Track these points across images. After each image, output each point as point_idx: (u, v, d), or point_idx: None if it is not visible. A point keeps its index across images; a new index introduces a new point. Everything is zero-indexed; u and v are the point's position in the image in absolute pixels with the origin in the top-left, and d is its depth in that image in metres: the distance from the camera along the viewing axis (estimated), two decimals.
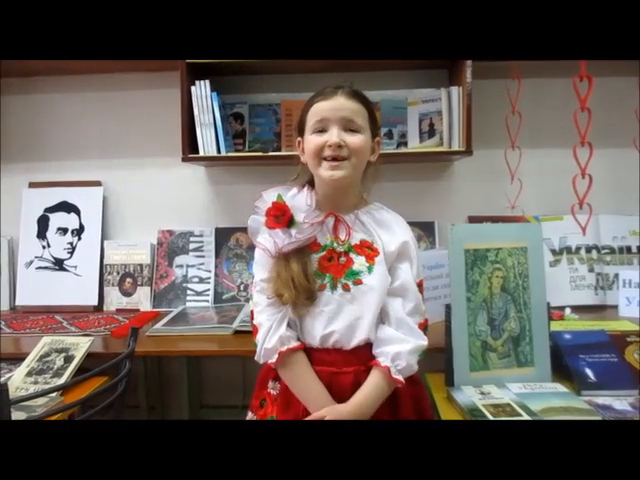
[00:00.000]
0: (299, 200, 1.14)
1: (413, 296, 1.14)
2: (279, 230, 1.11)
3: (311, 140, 1.13)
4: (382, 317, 1.14)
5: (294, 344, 1.12)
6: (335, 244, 1.14)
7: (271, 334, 1.12)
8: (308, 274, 1.10)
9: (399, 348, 1.10)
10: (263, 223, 1.14)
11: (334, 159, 1.10)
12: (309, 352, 1.13)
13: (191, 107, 1.83)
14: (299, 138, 1.19)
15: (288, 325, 1.13)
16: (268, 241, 1.12)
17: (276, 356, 1.11)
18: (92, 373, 1.22)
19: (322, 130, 1.12)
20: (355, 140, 1.11)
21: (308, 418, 1.07)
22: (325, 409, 1.07)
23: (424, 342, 1.13)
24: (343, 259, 1.13)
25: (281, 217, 1.12)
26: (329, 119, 1.11)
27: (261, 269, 1.17)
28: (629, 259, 1.95)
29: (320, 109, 1.12)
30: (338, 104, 1.11)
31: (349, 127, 1.11)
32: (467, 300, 1.26)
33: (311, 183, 1.19)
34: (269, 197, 1.15)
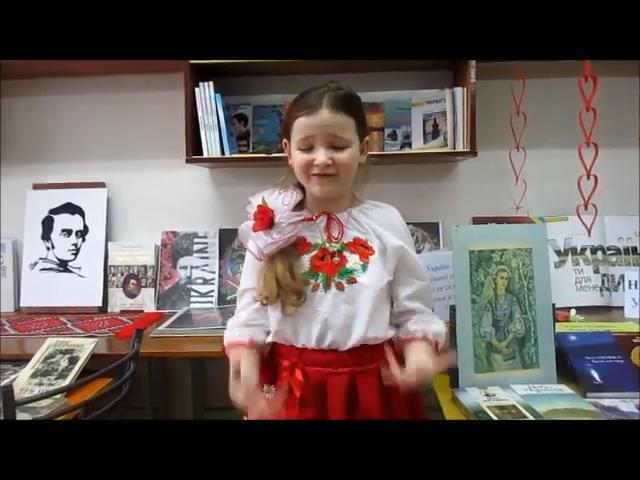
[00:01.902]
0: (280, 200, 1.13)
1: (430, 293, 1.19)
2: (261, 232, 1.11)
3: (298, 156, 1.10)
4: (403, 315, 1.15)
5: (235, 340, 1.14)
6: (327, 244, 1.12)
7: (229, 328, 1.18)
8: (295, 274, 1.08)
9: (439, 327, 1.14)
10: (251, 227, 1.13)
11: (322, 175, 1.08)
12: (304, 353, 1.11)
13: (195, 109, 1.83)
14: (285, 140, 1.16)
15: (253, 327, 1.15)
16: (253, 245, 1.12)
17: (226, 345, 1.16)
18: (97, 374, 1.22)
19: (308, 148, 1.08)
20: (343, 157, 1.07)
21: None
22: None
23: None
24: (337, 259, 1.11)
25: (264, 219, 1.11)
26: (314, 137, 1.06)
27: (246, 278, 1.18)
28: (635, 260, 1.94)
29: (304, 126, 1.07)
30: (323, 120, 1.06)
31: (335, 144, 1.07)
32: (472, 301, 1.25)
33: (300, 185, 1.17)
34: (256, 201, 1.14)
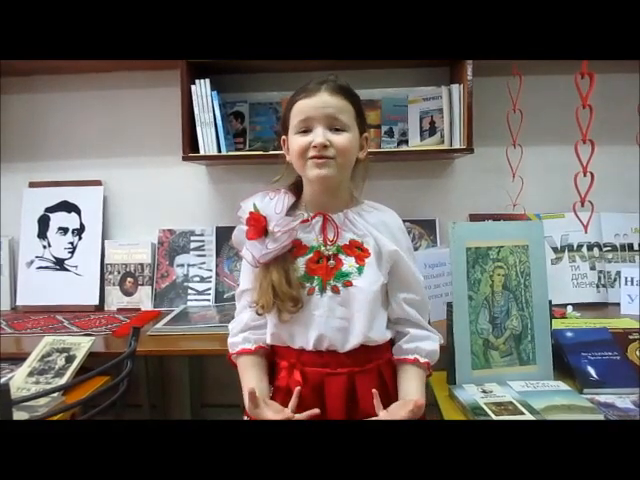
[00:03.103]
0: (272, 207, 1.10)
1: (426, 302, 1.18)
2: (255, 241, 1.09)
3: (295, 140, 1.08)
4: (399, 322, 1.15)
5: (241, 347, 1.15)
6: (322, 247, 1.11)
7: (233, 333, 1.18)
8: (291, 280, 1.07)
9: (432, 345, 1.14)
10: (244, 233, 1.12)
11: (319, 157, 1.06)
12: (302, 354, 1.10)
13: (191, 106, 1.83)
14: (284, 136, 1.15)
15: (257, 328, 1.15)
16: (247, 253, 1.10)
17: (234, 354, 1.17)
18: (94, 373, 1.22)
19: (306, 130, 1.07)
20: (341, 140, 1.06)
21: (379, 417, 1.01)
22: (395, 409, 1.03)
23: (441, 339, 1.19)
24: (332, 262, 1.10)
25: (257, 227, 1.09)
26: (313, 118, 1.06)
27: (244, 279, 1.18)
28: (631, 257, 1.95)
29: (303, 108, 1.07)
30: (322, 101, 1.06)
31: (334, 126, 1.06)
32: (469, 298, 1.25)
33: (295, 185, 1.16)
34: (247, 206, 1.12)
